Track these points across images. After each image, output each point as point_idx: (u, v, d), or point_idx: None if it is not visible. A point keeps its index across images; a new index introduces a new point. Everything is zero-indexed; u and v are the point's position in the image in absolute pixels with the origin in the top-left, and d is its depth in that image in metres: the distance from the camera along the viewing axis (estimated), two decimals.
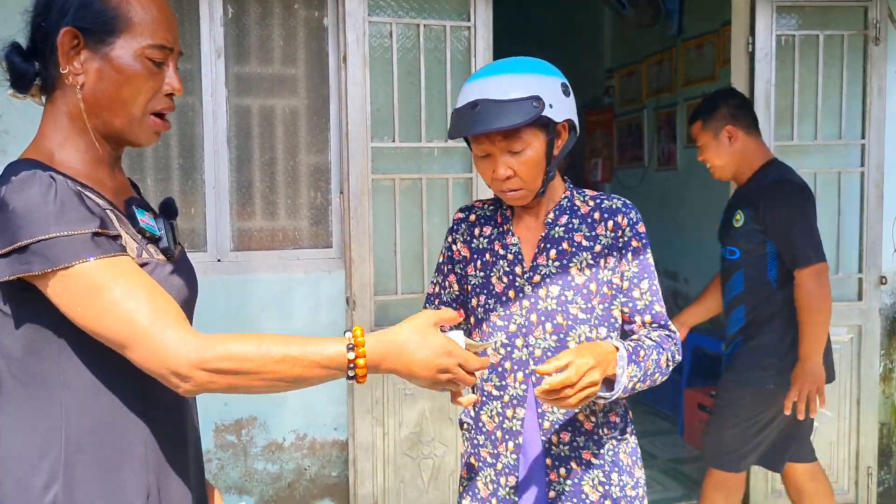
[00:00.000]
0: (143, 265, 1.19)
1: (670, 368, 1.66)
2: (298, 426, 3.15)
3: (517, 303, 1.64)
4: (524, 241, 1.69)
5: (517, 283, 1.65)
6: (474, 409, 1.72)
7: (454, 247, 1.77)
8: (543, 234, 1.67)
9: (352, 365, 1.16)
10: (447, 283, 1.79)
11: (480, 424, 1.71)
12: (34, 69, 1.22)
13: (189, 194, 3.01)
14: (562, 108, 1.58)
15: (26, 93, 1.26)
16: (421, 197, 3.13)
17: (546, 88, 1.56)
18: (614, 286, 1.66)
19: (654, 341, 1.63)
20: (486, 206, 1.79)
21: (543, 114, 1.53)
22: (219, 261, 3.02)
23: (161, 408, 1.24)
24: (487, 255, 1.71)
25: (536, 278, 1.64)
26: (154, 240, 1.27)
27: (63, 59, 1.19)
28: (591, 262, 1.64)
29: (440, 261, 1.81)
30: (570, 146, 1.66)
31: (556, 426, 1.64)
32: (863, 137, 3.48)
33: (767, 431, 2.85)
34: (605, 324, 1.65)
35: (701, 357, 4.58)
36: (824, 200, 3.52)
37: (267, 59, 3.06)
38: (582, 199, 1.71)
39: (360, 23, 2.97)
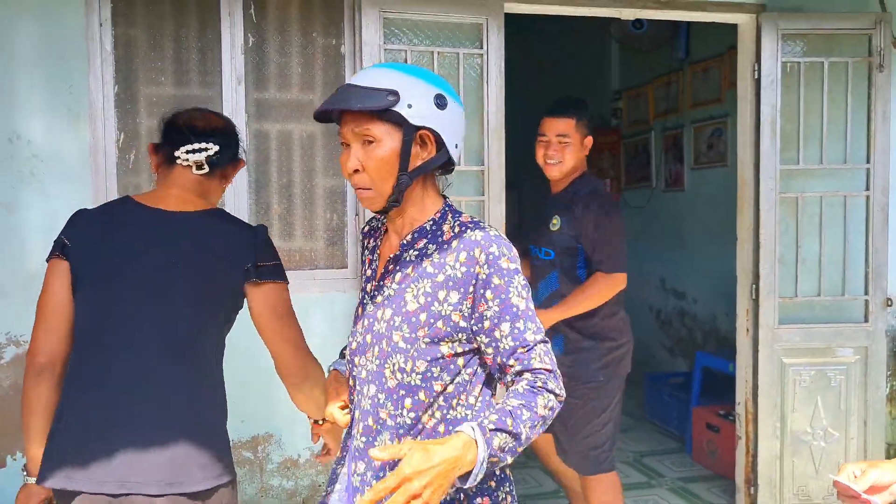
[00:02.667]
0: None
1: (553, 409, 1.47)
2: (312, 443, 3.20)
3: (361, 321, 1.61)
4: (383, 259, 1.63)
5: (364, 301, 1.62)
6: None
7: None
8: (393, 255, 1.58)
9: None
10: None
11: (349, 438, 1.67)
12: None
13: None
14: (427, 114, 1.49)
15: (209, 171, 1.86)
16: None
17: (410, 88, 1.49)
18: (452, 323, 1.49)
19: (520, 401, 1.42)
20: (381, 218, 1.70)
21: (396, 109, 1.47)
22: None
23: None
24: (367, 271, 1.68)
25: (378, 299, 1.58)
26: None
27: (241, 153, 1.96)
28: (429, 291, 1.50)
29: None
30: (439, 163, 1.54)
31: (355, 454, 1.58)
32: (867, 162, 3.55)
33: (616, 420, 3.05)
34: (427, 359, 1.49)
35: (709, 376, 4.63)
36: (830, 224, 3.58)
37: (285, 86, 3.15)
38: (451, 223, 1.56)
39: (377, 51, 3.06)
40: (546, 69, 6.85)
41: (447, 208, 1.58)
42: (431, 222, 1.56)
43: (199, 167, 1.83)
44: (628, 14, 3.42)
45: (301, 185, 3.20)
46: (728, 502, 3.88)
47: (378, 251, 1.65)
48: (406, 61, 3.13)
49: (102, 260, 1.73)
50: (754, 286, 3.55)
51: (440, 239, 1.53)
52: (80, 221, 1.81)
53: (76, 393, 1.66)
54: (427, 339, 1.48)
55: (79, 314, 1.72)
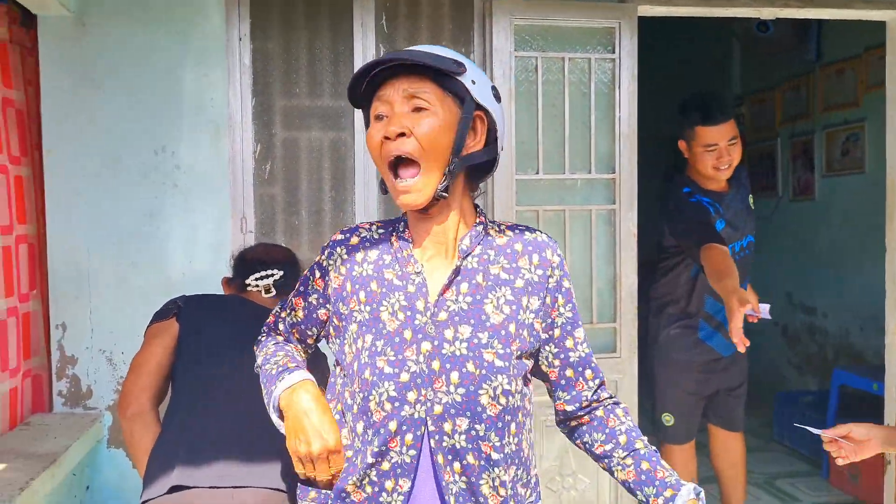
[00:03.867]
0: None
1: None
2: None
3: (414, 346, 1.32)
4: (428, 270, 1.38)
5: (416, 322, 1.33)
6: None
7: (319, 272, 1.45)
8: (457, 264, 1.36)
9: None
10: (292, 304, 1.51)
11: (344, 495, 1.35)
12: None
13: (340, 225, 3.12)
14: (486, 96, 1.34)
15: (276, 294, 2.19)
16: (564, 228, 3.13)
17: (473, 68, 1.34)
18: (534, 333, 1.38)
19: (644, 436, 1.45)
20: (375, 228, 1.46)
21: (461, 79, 1.30)
22: None
23: None
24: (374, 285, 1.37)
25: (442, 316, 1.34)
26: None
27: None
28: (511, 298, 1.36)
29: (301, 279, 1.52)
30: (487, 157, 1.38)
31: (459, 499, 1.31)
32: None
33: None
34: (522, 374, 1.37)
35: (847, 395, 4.36)
36: None
37: None
38: (496, 228, 1.44)
39: (507, 58, 3.02)
40: (663, 73, 6.67)
41: (481, 211, 1.46)
42: (481, 226, 1.42)
43: (268, 291, 2.17)
44: (768, 14, 3.26)
45: None
46: None
47: (409, 264, 1.38)
48: (537, 68, 3.08)
49: (213, 317, 2.07)
50: None
51: (494, 243, 1.40)
52: (185, 297, 2.14)
53: (185, 413, 1.90)
54: (518, 353, 1.35)
55: (186, 359, 1.99)
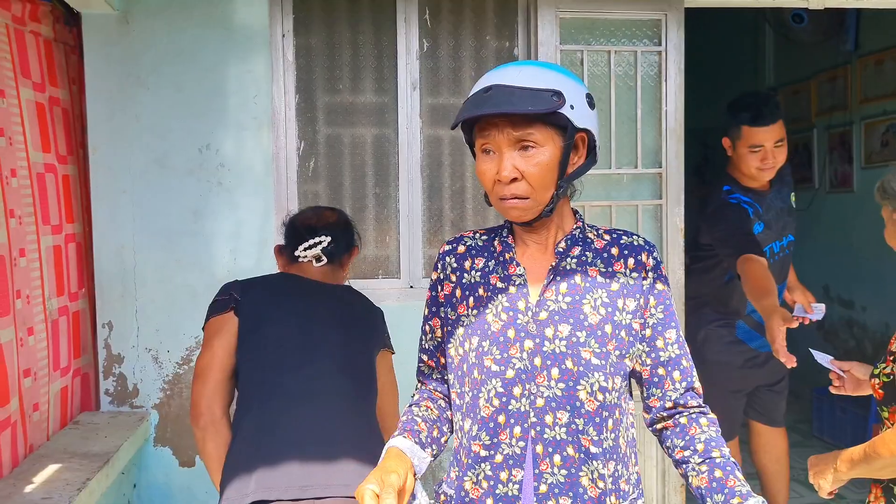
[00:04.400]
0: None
1: None
2: None
3: (517, 344, 1.41)
4: (529, 272, 1.47)
5: (519, 321, 1.42)
6: (456, 479, 1.46)
7: (439, 286, 1.55)
8: (554, 265, 1.44)
9: None
10: (430, 326, 1.57)
11: (463, 494, 1.43)
12: None
13: (384, 222, 3.11)
14: (584, 115, 1.40)
15: (328, 262, 2.13)
16: (610, 224, 3.10)
17: (570, 88, 1.39)
18: (633, 332, 1.44)
19: (725, 447, 1.42)
20: (479, 235, 1.56)
21: (562, 111, 1.36)
22: (411, 287, 3.09)
23: None
24: (481, 290, 1.48)
25: (543, 315, 1.42)
26: None
27: None
28: (607, 300, 1.43)
29: (426, 301, 1.59)
30: (588, 169, 1.47)
31: (555, 490, 1.38)
32: None
33: None
34: (620, 373, 1.43)
35: None
36: None
37: (458, 91, 3.12)
38: (595, 233, 1.51)
39: (553, 52, 2.99)
40: (694, 64, 6.59)
41: (580, 216, 1.52)
42: (578, 230, 1.49)
43: (318, 260, 2.08)
44: (816, 3, 3.20)
45: (473, 190, 3.17)
46: None
47: (511, 266, 1.47)
48: (582, 62, 3.05)
49: (272, 308, 1.97)
50: None
51: (592, 246, 1.47)
52: (239, 285, 2.03)
53: (257, 417, 1.82)
54: (617, 353, 1.42)
55: (251, 357, 1.92)
